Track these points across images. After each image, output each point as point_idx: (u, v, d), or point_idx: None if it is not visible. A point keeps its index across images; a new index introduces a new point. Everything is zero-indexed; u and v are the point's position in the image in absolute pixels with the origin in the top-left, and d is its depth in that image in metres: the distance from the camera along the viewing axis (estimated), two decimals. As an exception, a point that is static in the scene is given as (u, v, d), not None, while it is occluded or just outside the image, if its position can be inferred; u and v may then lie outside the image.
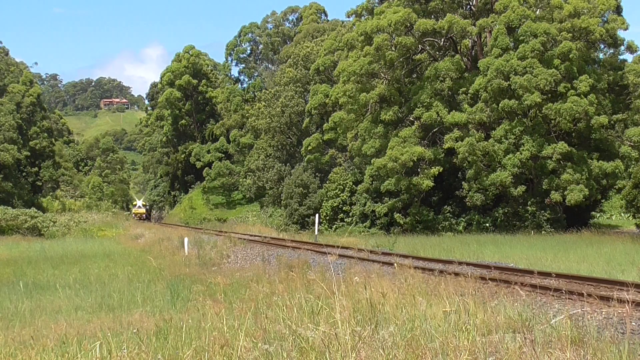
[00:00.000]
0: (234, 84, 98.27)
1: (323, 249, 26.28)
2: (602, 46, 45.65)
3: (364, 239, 36.05)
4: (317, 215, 43.09)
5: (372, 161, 43.91)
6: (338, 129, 52.89)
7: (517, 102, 39.76)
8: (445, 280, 12.77)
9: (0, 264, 29.60)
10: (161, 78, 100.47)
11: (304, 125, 63.27)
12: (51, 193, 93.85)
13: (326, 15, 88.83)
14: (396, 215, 43.98)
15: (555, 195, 39.12)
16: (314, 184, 54.74)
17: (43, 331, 11.66)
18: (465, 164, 41.49)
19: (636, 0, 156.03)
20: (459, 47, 46.13)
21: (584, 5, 41.13)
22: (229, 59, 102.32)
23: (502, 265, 20.09)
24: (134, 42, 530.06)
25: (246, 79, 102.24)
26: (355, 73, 44.71)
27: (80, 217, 67.30)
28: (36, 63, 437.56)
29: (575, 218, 40.31)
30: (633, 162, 39.24)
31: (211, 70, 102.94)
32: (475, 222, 42.13)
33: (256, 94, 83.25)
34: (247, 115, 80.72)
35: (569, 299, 12.86)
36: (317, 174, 56.52)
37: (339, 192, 49.93)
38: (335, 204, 49.62)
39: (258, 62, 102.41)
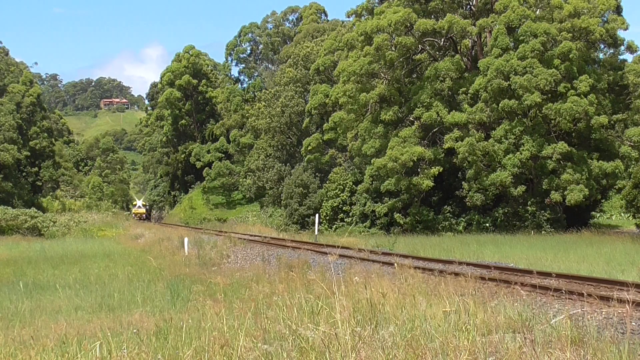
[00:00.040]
0: (234, 84, 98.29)
1: (323, 249, 26.29)
2: (602, 46, 45.67)
3: (364, 239, 36.04)
4: (317, 215, 43.09)
5: (372, 161, 43.92)
6: (338, 129, 52.89)
7: (517, 102, 39.77)
8: (445, 280, 12.78)
9: (0, 264, 29.59)
10: (161, 78, 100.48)
11: (304, 125, 63.28)
12: (51, 193, 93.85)
13: (326, 15, 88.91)
14: (396, 215, 43.98)
15: (555, 195, 39.12)
16: (314, 184, 54.75)
17: (43, 331, 11.65)
18: (465, 164, 41.49)
19: (636, 0, 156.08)
20: (459, 47, 46.13)
21: (584, 5, 41.14)
22: (229, 59, 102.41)
23: (502, 265, 20.09)
24: (134, 42, 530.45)
25: (246, 79, 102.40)
26: (355, 73, 44.72)
27: (80, 217, 67.30)
28: (36, 63, 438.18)
29: (575, 218, 40.31)
30: (633, 162, 39.26)
31: (211, 70, 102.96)
32: (475, 222, 42.13)
33: (256, 94, 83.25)
34: (247, 115, 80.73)
35: (569, 299, 12.85)
36: (317, 174, 56.53)
37: (339, 192, 49.94)
38: (335, 204, 49.62)
39: (258, 62, 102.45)
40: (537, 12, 42.36)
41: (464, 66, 44.83)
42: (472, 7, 47.44)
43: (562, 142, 39.57)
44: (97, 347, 7.43)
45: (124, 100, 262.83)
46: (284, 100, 66.20)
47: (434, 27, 42.49)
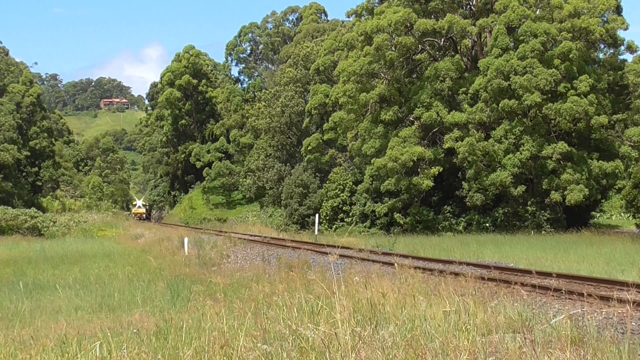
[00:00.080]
0: (234, 84, 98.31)
1: (323, 249, 26.27)
2: (602, 46, 45.68)
3: (364, 239, 36.05)
4: (317, 215, 43.08)
5: (372, 161, 43.92)
6: (338, 129, 52.90)
7: (517, 102, 39.77)
8: (445, 280, 12.77)
9: (0, 264, 29.58)
10: (161, 78, 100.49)
11: (304, 125, 63.28)
12: (51, 193, 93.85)
13: (326, 15, 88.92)
14: (396, 215, 43.98)
15: (555, 195, 39.13)
16: (314, 184, 54.76)
17: (43, 331, 11.65)
18: (465, 164, 41.49)
19: (636, 0, 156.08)
20: (459, 47, 46.13)
21: (584, 5, 41.15)
22: (229, 59, 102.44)
23: (502, 265, 20.10)
24: (134, 42, 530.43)
25: (246, 79, 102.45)
26: (355, 73, 44.72)
27: (80, 217, 67.28)
28: (36, 63, 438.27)
29: (575, 218, 40.32)
30: (633, 162, 39.27)
31: (211, 70, 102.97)
32: (475, 222, 42.13)
33: (256, 94, 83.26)
34: (247, 115, 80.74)
35: (569, 299, 12.86)
36: (317, 174, 56.53)
37: (339, 192, 49.94)
38: (335, 204, 49.63)
39: (258, 62, 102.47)
40: (537, 12, 42.37)
41: (464, 66, 44.83)
42: (472, 7, 47.45)
43: (562, 142, 39.58)
44: (97, 347, 7.43)
45: (124, 100, 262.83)
46: (284, 100, 66.21)
47: (434, 27, 42.50)
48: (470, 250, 26.58)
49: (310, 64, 63.25)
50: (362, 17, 52.30)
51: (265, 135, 71.01)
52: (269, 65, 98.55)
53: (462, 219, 43.25)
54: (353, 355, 6.37)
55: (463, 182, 42.48)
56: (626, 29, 43.40)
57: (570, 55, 39.60)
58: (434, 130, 43.60)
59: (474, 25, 43.35)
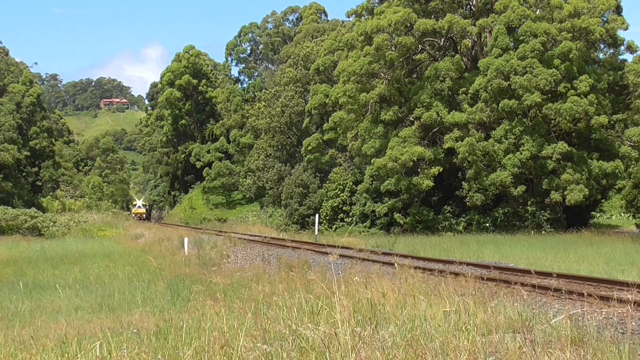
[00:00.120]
0: (234, 84, 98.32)
1: (323, 249, 26.27)
2: (602, 46, 45.69)
3: (364, 239, 36.04)
4: (317, 215, 43.09)
5: (372, 161, 43.92)
6: (338, 129, 52.90)
7: (517, 102, 39.77)
8: (445, 280, 12.76)
9: (0, 264, 29.58)
10: (161, 78, 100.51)
11: (304, 125, 63.29)
12: (51, 193, 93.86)
13: (326, 15, 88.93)
14: (396, 215, 43.98)
15: (555, 195, 39.13)
16: (314, 184, 54.75)
17: (43, 331, 11.65)
18: (465, 164, 41.50)
19: (636, 0, 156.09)
20: (459, 47, 46.13)
21: (584, 5, 41.15)
22: (229, 59, 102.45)
23: (502, 265, 20.10)
24: (134, 42, 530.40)
25: (246, 79, 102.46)
26: (355, 73, 44.72)
27: (80, 217, 67.28)
28: (36, 63, 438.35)
29: (575, 218, 40.32)
30: (633, 162, 39.27)
31: (211, 70, 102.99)
32: (475, 222, 42.14)
33: (256, 94, 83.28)
34: (247, 115, 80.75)
35: (569, 299, 12.85)
36: (317, 174, 56.53)
37: (339, 192, 49.94)
38: (335, 204, 49.63)
39: (258, 62, 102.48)
40: (537, 12, 42.37)
41: (464, 66, 44.83)
42: (472, 7, 47.45)
43: (562, 142, 39.58)
44: (97, 347, 7.43)
45: (124, 100, 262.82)
46: (284, 100, 66.21)
47: (434, 27, 42.50)
48: (470, 250, 26.58)
49: (310, 64, 63.25)
50: (362, 17, 52.30)
51: (265, 135, 71.02)
52: (269, 65, 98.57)
53: (462, 219, 43.26)
54: (353, 355, 6.37)
55: (463, 182, 42.48)
56: (626, 29, 43.43)
57: (570, 55, 39.61)
58: (434, 130, 43.61)
59: (474, 25, 43.36)
